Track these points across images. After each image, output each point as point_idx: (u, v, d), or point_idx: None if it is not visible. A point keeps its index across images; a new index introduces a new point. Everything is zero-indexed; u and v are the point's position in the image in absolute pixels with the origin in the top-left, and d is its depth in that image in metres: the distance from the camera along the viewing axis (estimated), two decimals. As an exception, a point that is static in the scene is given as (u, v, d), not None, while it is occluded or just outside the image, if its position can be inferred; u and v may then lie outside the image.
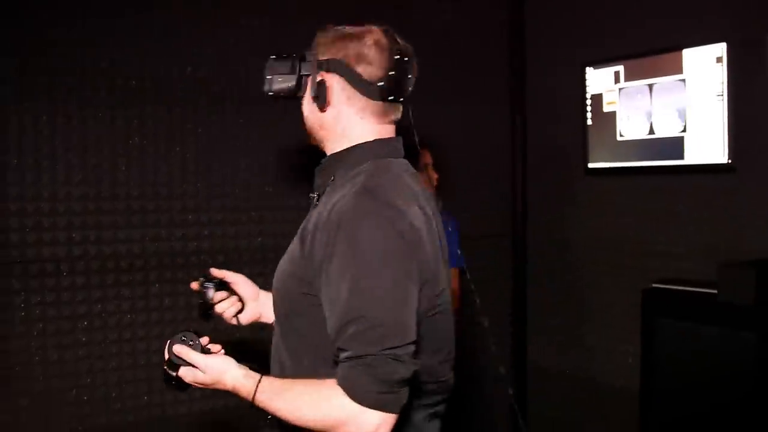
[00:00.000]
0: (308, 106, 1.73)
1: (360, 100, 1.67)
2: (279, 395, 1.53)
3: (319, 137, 1.75)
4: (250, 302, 1.96)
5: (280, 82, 1.77)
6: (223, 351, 1.67)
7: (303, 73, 1.76)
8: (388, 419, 1.44)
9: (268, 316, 1.92)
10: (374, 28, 1.67)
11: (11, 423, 2.67)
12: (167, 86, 2.94)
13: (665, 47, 3.11)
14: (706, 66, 2.95)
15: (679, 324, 2.85)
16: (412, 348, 1.46)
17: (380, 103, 1.66)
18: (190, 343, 1.61)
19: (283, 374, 1.65)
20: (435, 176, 3.17)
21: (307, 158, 3.01)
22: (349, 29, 1.69)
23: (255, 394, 1.53)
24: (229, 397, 3.04)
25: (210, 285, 1.91)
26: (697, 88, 2.98)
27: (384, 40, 1.65)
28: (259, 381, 1.55)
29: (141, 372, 2.91)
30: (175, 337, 1.61)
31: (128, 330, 2.88)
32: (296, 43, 1.84)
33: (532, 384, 3.96)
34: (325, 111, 1.69)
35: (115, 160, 2.84)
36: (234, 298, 1.95)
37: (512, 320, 3.96)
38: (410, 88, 1.70)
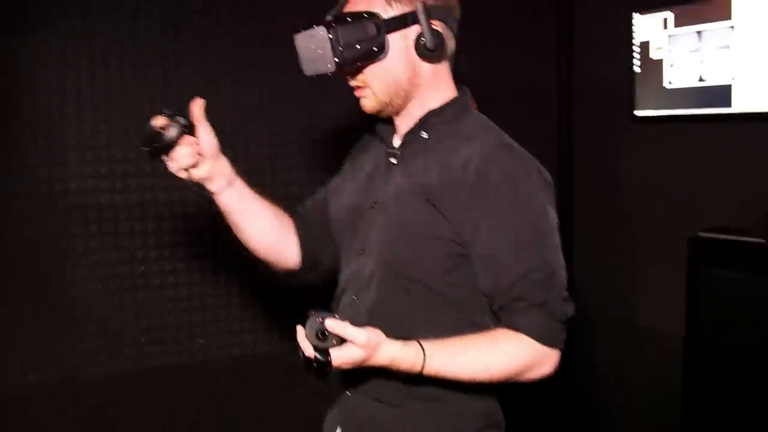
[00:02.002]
0: (400, 63, 1.59)
1: (452, 48, 1.66)
2: (453, 357, 1.50)
3: (403, 97, 1.63)
4: (209, 159, 1.68)
5: (359, 49, 1.54)
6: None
7: (386, 30, 1.56)
8: (559, 356, 1.58)
9: (220, 185, 1.72)
10: None
11: (73, 365, 2.78)
12: (212, 29, 2.94)
13: (715, -7, 3.06)
14: (756, 11, 2.90)
15: (726, 273, 2.85)
16: None
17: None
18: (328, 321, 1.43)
19: (403, 337, 1.51)
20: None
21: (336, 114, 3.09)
22: None
23: (425, 361, 1.46)
24: (285, 341, 3.11)
25: (182, 121, 1.61)
26: (747, 35, 2.94)
27: None
28: (422, 347, 1.47)
29: (196, 315, 2.99)
30: (312, 319, 1.43)
31: (184, 274, 2.96)
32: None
33: (575, 328, 4.00)
34: (436, 63, 1.62)
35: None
36: (196, 147, 1.66)
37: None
38: None
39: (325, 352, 1.41)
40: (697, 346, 2.97)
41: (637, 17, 3.38)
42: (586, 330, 3.95)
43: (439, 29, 1.58)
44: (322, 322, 1.42)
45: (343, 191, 1.86)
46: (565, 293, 1.57)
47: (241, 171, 1.80)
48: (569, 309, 1.58)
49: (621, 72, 3.50)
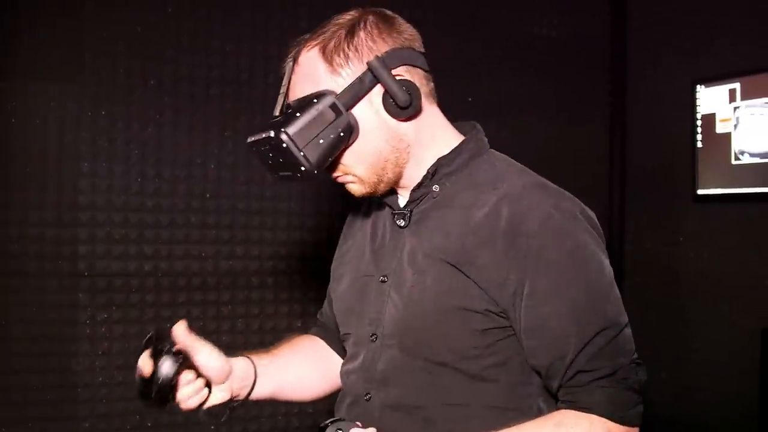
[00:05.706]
0: (376, 136, 1.31)
1: (430, 87, 1.37)
2: None
3: (393, 168, 1.34)
4: (219, 385, 1.42)
5: (324, 143, 1.25)
6: None
7: (346, 106, 1.27)
8: None
9: (246, 389, 1.48)
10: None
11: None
12: (248, 95, 2.77)
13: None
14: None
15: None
16: None
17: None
18: None
19: None
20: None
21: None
22: (370, 15, 1.33)
23: None
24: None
25: (169, 358, 1.31)
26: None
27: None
28: None
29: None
30: (331, 429, 1.20)
31: (198, 353, 2.69)
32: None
33: None
34: (417, 117, 1.32)
35: (192, 172, 2.68)
36: (200, 382, 1.38)
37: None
38: None
39: None
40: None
41: (701, 89, 3.13)
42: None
43: (405, 77, 1.30)
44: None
45: (344, 270, 1.55)
46: (635, 355, 1.28)
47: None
48: (642, 374, 1.27)
49: (681, 147, 3.23)
